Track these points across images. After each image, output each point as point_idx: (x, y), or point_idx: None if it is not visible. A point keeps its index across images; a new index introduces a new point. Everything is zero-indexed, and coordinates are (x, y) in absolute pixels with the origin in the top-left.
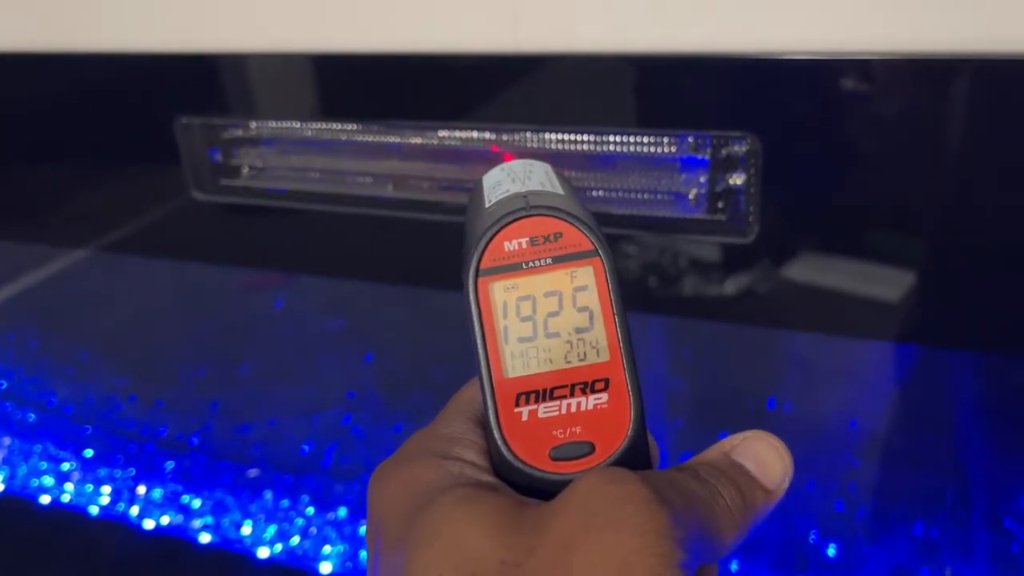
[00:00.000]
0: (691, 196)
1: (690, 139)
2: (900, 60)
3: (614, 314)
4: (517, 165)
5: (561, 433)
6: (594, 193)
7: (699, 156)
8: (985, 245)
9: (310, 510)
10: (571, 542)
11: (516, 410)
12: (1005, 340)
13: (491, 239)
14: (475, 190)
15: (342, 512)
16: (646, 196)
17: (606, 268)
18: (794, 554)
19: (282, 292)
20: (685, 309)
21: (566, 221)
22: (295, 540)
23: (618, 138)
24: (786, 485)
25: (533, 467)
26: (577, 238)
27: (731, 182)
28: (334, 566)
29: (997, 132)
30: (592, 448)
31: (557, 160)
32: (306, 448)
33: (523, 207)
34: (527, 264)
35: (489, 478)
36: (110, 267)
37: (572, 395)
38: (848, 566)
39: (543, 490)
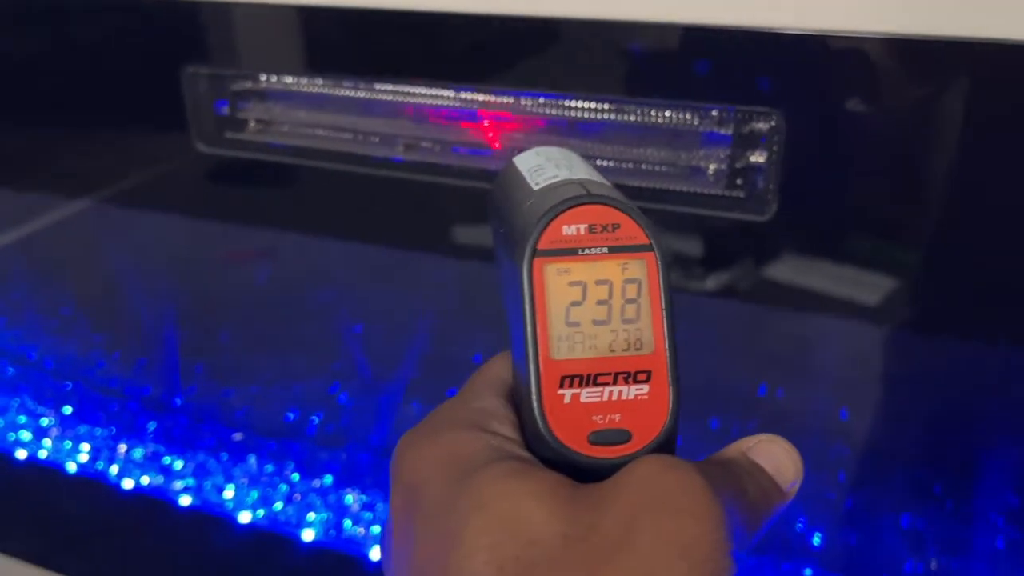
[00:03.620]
0: (710, 171)
1: (714, 112)
2: (941, 42)
3: (662, 309)
4: (554, 152)
5: (600, 419)
6: (608, 163)
7: (721, 131)
8: (1008, 234)
9: (295, 476)
10: (633, 523)
11: (559, 392)
12: (1006, 331)
13: (552, 221)
14: (508, 173)
15: (328, 480)
16: (663, 168)
17: (659, 264)
18: (780, 541)
19: (263, 266)
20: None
21: (625, 213)
22: (278, 506)
23: (639, 108)
24: (797, 488)
25: (571, 449)
26: (634, 231)
27: (752, 159)
28: (317, 534)
29: None
30: (629, 436)
31: (576, 128)
32: (291, 415)
33: (585, 194)
34: (583, 250)
35: (526, 454)
36: (104, 219)
37: (615, 383)
38: (833, 555)
39: (576, 471)
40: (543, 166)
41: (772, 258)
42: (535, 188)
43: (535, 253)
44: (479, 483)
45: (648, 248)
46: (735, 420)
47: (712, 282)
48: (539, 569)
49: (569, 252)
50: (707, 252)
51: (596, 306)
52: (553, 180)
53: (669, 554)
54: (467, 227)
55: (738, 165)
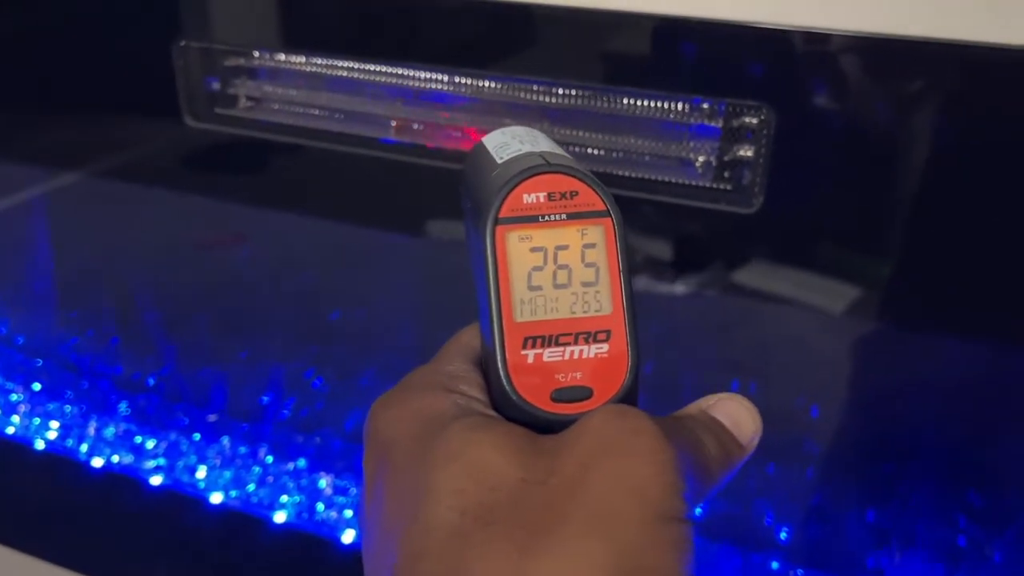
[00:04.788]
0: (698, 163)
1: (704, 105)
2: (929, 43)
3: (620, 272)
4: (519, 130)
5: (563, 377)
6: (597, 152)
7: (711, 124)
8: (991, 234)
9: (269, 459)
10: (589, 465)
11: (523, 352)
12: (977, 330)
13: (512, 190)
14: (477, 150)
15: (301, 463)
16: (652, 159)
17: (616, 229)
18: (749, 534)
19: (238, 251)
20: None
21: (583, 181)
22: (251, 487)
23: (629, 98)
24: (756, 442)
25: (535, 406)
26: (591, 198)
27: (740, 153)
28: (289, 516)
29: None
30: (591, 393)
31: (567, 116)
32: (266, 398)
33: (544, 163)
34: (543, 217)
35: (492, 412)
36: (85, 194)
37: (576, 343)
38: (800, 549)
39: (541, 428)
40: (508, 143)
41: (754, 252)
42: (499, 162)
43: (497, 221)
44: (445, 437)
45: (605, 214)
46: None
47: (692, 277)
48: (499, 512)
49: (530, 219)
50: (690, 247)
51: (557, 270)
52: (516, 153)
53: (621, 493)
54: (451, 211)
55: (726, 158)
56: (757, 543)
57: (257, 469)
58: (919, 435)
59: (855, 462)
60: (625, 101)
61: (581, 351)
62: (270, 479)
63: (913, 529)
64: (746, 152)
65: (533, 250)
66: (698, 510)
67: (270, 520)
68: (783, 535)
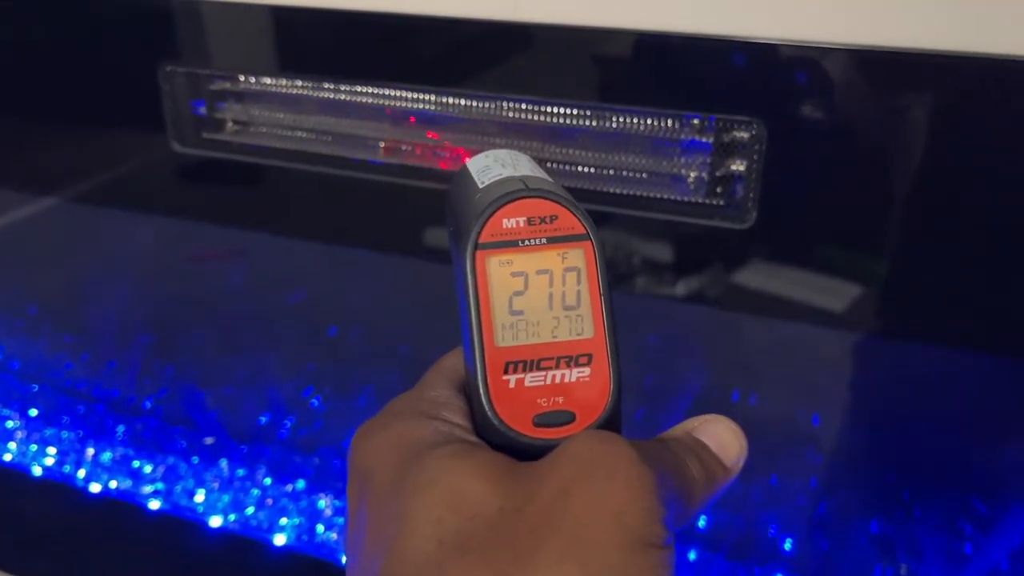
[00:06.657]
0: (690, 179)
1: (695, 120)
2: (918, 54)
3: (600, 295)
4: (502, 153)
5: (545, 402)
6: (589, 170)
7: (702, 139)
8: (986, 243)
9: (267, 480)
10: (567, 491)
11: (504, 377)
12: (976, 338)
13: (492, 215)
14: (461, 174)
15: (300, 484)
16: (644, 176)
17: (596, 252)
18: (753, 546)
19: (234, 266)
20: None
21: (562, 205)
22: (250, 510)
23: (620, 115)
24: (741, 464)
25: (517, 431)
26: (571, 222)
27: (732, 168)
28: (288, 538)
29: (1010, 133)
30: (573, 417)
31: (556, 134)
32: (263, 419)
33: (523, 188)
34: (523, 242)
35: (475, 439)
36: (76, 217)
37: (557, 367)
38: (804, 561)
39: (524, 453)
40: (491, 166)
41: (750, 265)
42: (480, 186)
43: (477, 246)
44: (425, 464)
45: (585, 238)
46: None
47: (690, 288)
48: (476, 540)
49: (510, 244)
50: (686, 259)
51: (538, 294)
52: (497, 178)
53: (600, 519)
54: (442, 229)
55: (718, 173)
56: (761, 555)
57: (256, 491)
58: (922, 443)
59: (858, 471)
60: (615, 118)
61: (563, 375)
62: (269, 501)
63: (918, 537)
64: (738, 167)
65: (514, 275)
66: (702, 523)
67: (270, 543)
68: (787, 545)
